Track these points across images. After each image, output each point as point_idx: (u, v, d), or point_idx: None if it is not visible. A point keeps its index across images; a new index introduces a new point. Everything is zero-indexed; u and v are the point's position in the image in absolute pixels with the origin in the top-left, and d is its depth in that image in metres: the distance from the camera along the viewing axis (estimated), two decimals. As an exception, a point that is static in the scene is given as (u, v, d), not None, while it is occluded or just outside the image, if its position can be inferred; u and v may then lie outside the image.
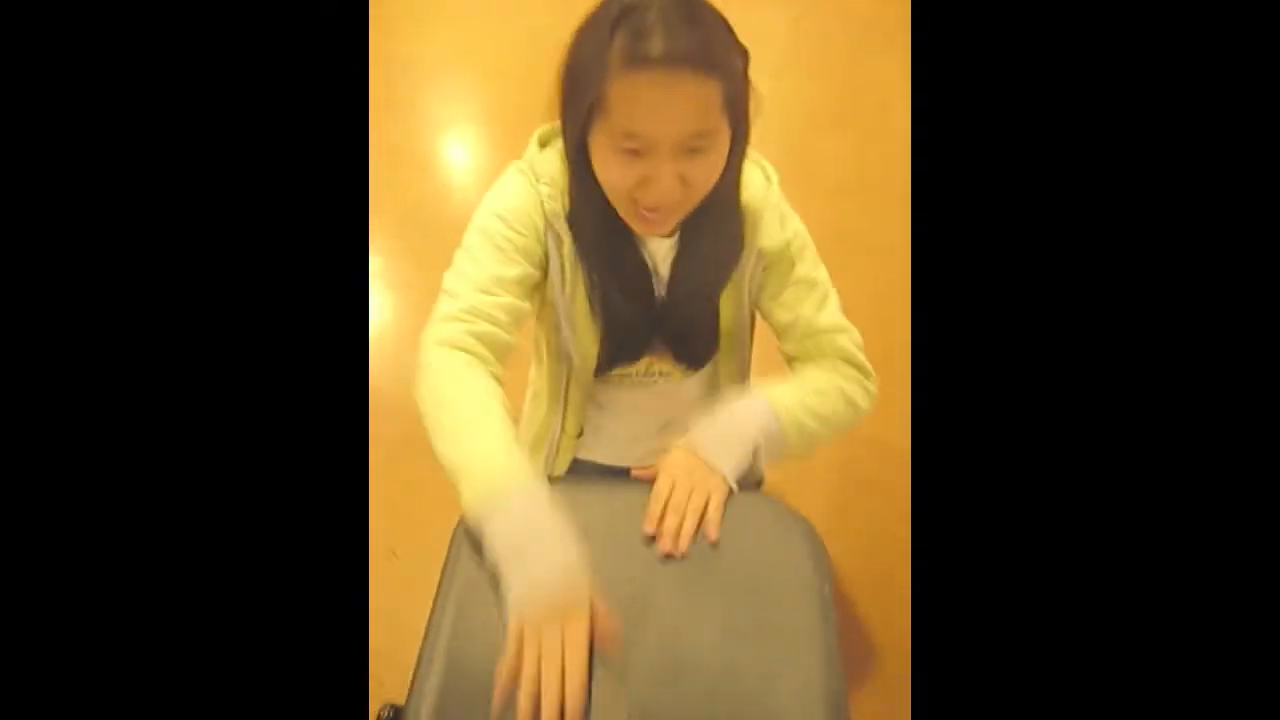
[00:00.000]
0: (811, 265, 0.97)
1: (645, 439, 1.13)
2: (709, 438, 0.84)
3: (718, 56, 0.74)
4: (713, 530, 0.76)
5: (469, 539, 0.74)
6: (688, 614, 0.71)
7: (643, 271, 0.94)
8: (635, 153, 0.76)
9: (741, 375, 1.08)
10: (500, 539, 0.69)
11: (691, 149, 0.77)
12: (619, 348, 0.99)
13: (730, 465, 0.82)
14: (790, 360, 1.00)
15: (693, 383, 1.09)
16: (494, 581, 0.70)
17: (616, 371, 1.02)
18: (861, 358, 0.96)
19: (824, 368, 0.95)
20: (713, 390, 1.09)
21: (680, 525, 0.75)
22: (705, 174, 0.80)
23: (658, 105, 0.74)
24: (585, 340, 0.97)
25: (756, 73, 0.81)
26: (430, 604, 0.73)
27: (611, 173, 0.79)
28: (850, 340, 0.96)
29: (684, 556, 0.74)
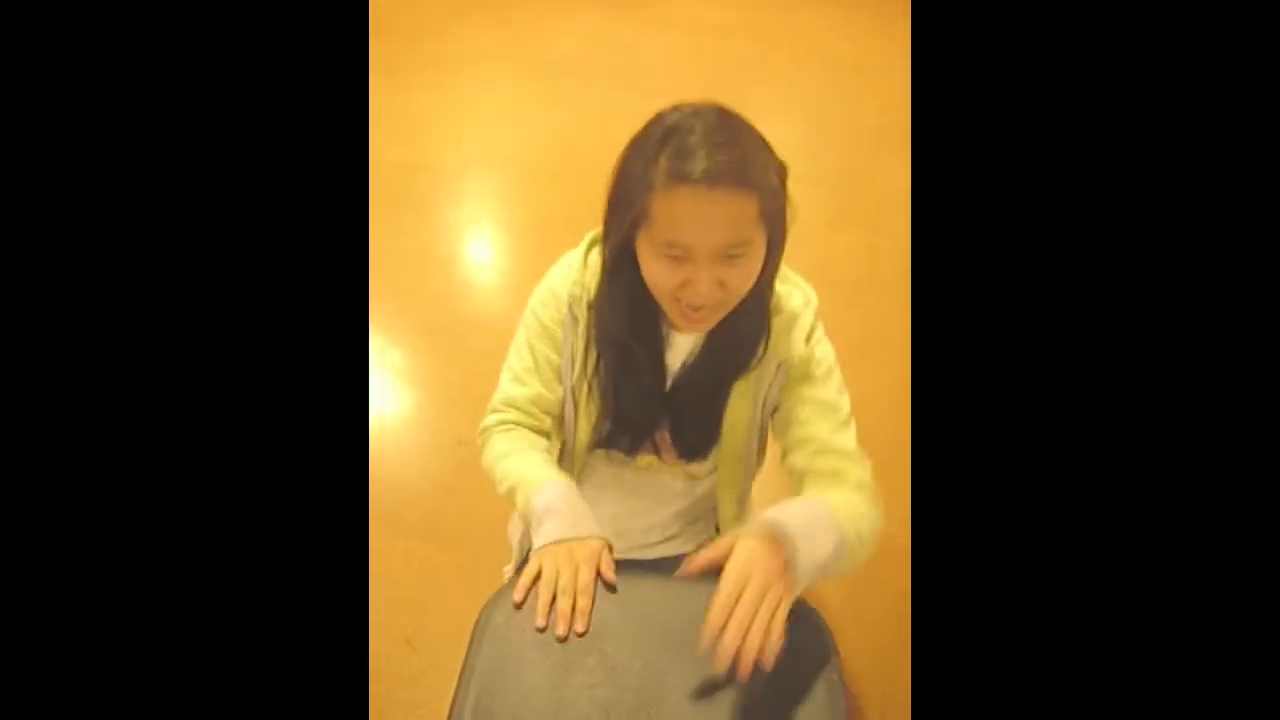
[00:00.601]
0: (835, 391, 0.98)
1: (653, 530, 1.16)
2: (799, 521, 0.78)
3: (754, 174, 0.80)
4: (770, 659, 0.69)
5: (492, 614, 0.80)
6: (699, 700, 0.73)
7: (658, 366, 0.99)
8: (677, 259, 0.82)
9: (744, 486, 1.10)
10: (538, 509, 0.91)
11: (729, 256, 0.82)
12: (620, 432, 1.05)
13: (811, 563, 0.77)
14: (800, 476, 0.96)
15: (694, 482, 1.12)
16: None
17: (616, 454, 1.08)
18: (876, 491, 0.93)
19: (847, 492, 0.91)
20: (710, 495, 1.13)
21: (742, 645, 0.69)
22: (742, 278, 0.85)
23: (697, 218, 0.79)
24: (584, 420, 1.03)
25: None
26: (449, 694, 0.76)
27: (656, 275, 0.85)
28: (868, 472, 0.95)
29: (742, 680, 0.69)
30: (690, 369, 0.99)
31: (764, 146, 0.83)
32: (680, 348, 0.99)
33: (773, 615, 0.71)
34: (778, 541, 0.76)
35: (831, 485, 0.92)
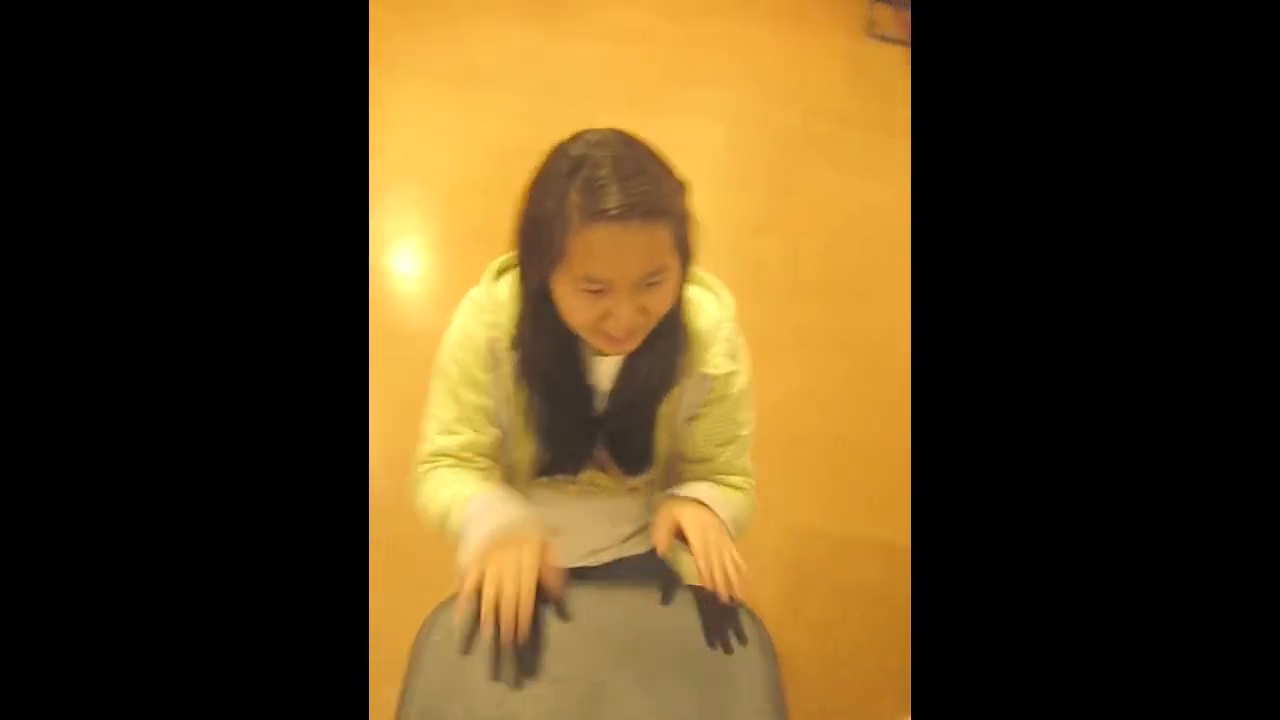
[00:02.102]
0: (747, 409, 1.05)
1: (605, 539, 1.17)
2: (706, 494, 0.98)
3: (665, 202, 0.82)
4: (746, 573, 0.87)
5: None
6: (642, 705, 0.74)
7: (584, 393, 1.01)
8: (597, 293, 0.83)
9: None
10: (468, 517, 0.92)
11: (648, 284, 0.83)
12: (558, 458, 1.06)
13: (728, 517, 0.96)
14: (701, 478, 1.08)
15: (637, 493, 1.14)
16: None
17: (561, 478, 1.09)
18: (752, 503, 1.11)
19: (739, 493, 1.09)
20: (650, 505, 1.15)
21: (731, 573, 0.86)
22: (661, 303, 0.87)
23: (615, 252, 0.80)
24: (523, 449, 1.04)
25: (698, 183, 0.89)
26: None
27: (576, 310, 0.85)
28: (751, 487, 1.10)
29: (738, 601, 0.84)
30: (618, 392, 1.01)
31: (667, 170, 0.85)
32: (604, 371, 1.00)
33: (730, 557, 0.87)
34: (702, 504, 0.96)
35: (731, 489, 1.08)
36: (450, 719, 0.73)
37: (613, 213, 0.78)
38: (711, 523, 0.92)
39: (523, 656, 0.79)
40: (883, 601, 1.67)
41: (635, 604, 0.84)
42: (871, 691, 1.41)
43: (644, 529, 1.19)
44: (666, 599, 0.87)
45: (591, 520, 1.16)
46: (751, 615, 0.86)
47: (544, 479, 1.10)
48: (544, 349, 0.95)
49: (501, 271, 0.99)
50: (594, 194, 0.78)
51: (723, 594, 0.83)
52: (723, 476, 1.06)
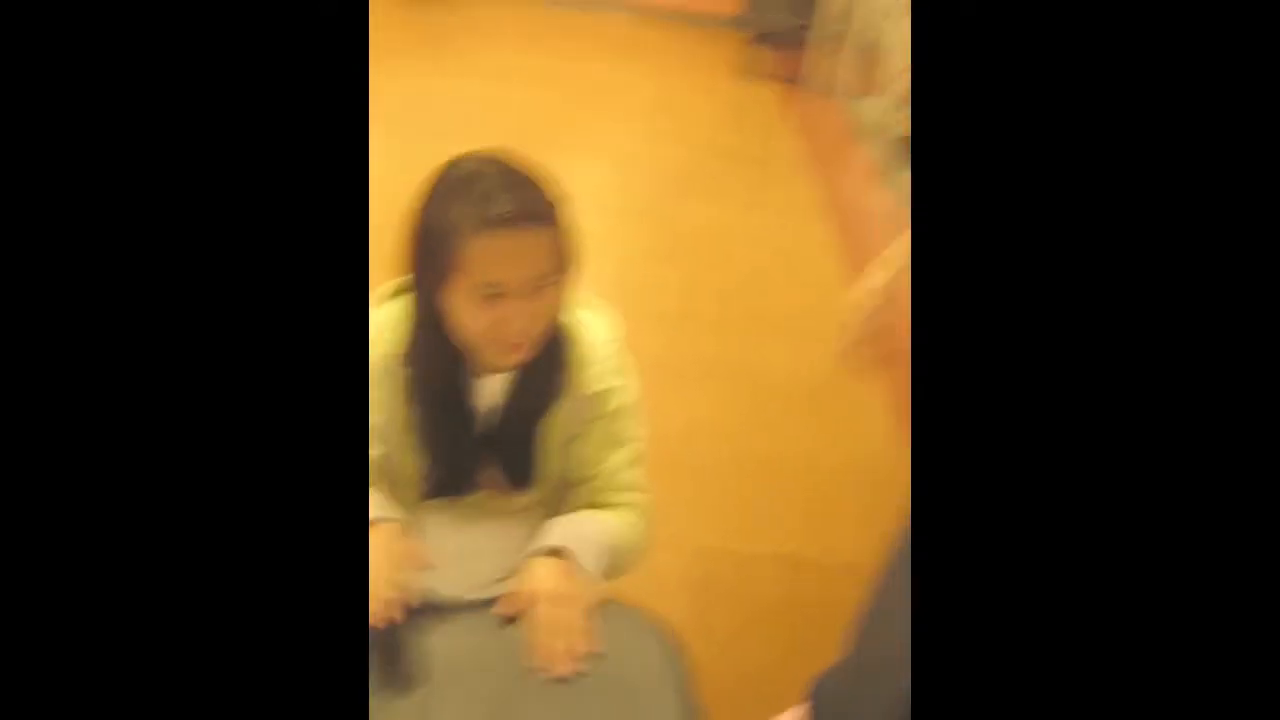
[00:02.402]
0: (632, 424, 1.09)
1: (498, 567, 1.17)
2: (571, 535, 0.96)
3: (546, 211, 0.88)
4: (581, 650, 0.86)
5: None
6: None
7: (471, 411, 1.03)
8: (492, 299, 0.86)
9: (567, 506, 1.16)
10: None
11: (539, 288, 0.88)
12: (446, 476, 1.07)
13: (592, 562, 0.94)
14: (586, 504, 1.10)
15: (525, 513, 1.15)
16: None
17: (450, 498, 1.10)
18: (648, 513, 1.11)
19: (622, 514, 1.08)
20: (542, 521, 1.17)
21: (567, 647, 0.85)
22: (552, 308, 0.92)
23: (508, 256, 0.85)
24: (410, 467, 1.05)
25: (590, 215, 0.93)
26: None
27: (472, 320, 0.89)
28: (644, 499, 1.10)
29: (576, 673, 0.82)
30: (504, 409, 1.03)
31: (544, 186, 0.90)
32: (491, 390, 1.03)
33: (574, 618, 0.87)
34: (558, 555, 0.93)
35: (611, 511, 1.08)
36: None
37: (504, 218, 0.83)
38: (557, 594, 0.91)
39: (432, 694, 0.80)
40: (787, 614, 1.73)
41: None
42: (780, 700, 1.46)
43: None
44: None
45: (482, 546, 1.16)
46: (662, 630, 0.88)
47: (433, 499, 1.11)
48: (435, 365, 0.98)
49: (393, 294, 1.01)
50: (484, 203, 0.84)
51: (559, 672, 0.84)
52: (609, 495, 1.08)
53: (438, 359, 0.97)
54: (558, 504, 1.13)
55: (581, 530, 0.99)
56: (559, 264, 0.90)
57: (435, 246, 0.87)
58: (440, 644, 0.83)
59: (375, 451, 1.02)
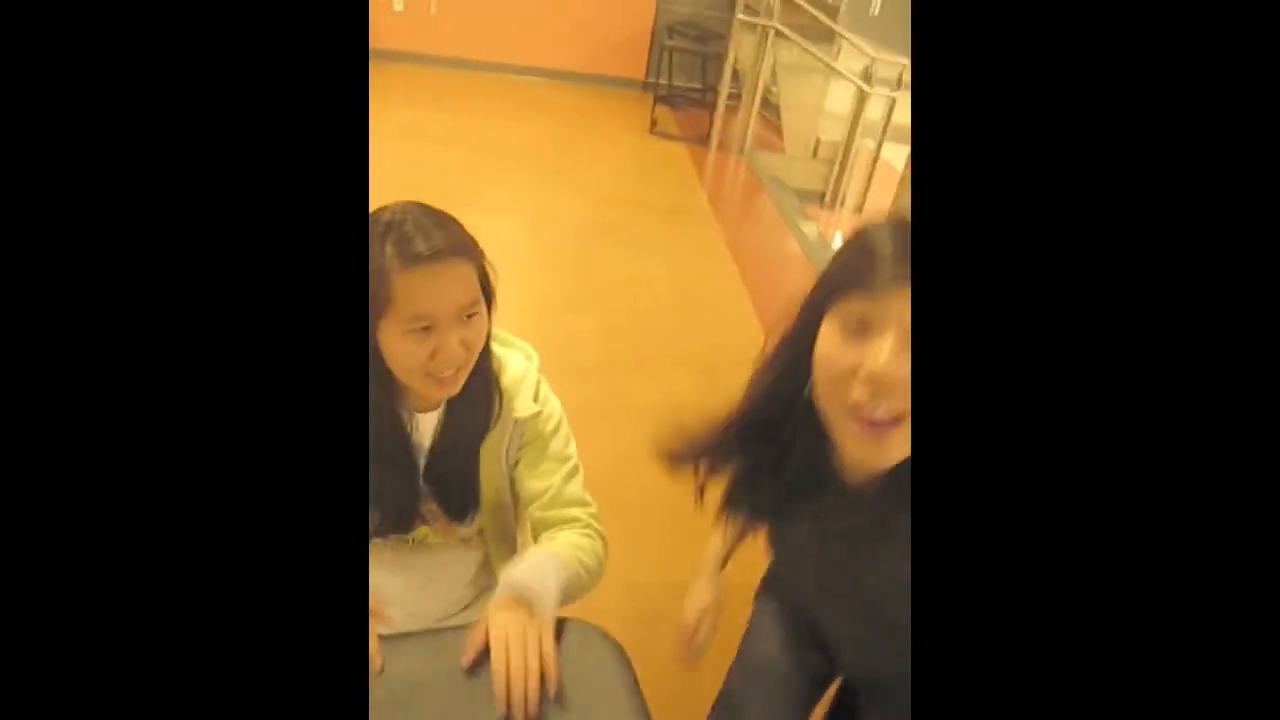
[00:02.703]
0: (563, 443, 1.13)
1: (448, 604, 1.20)
2: (529, 574, 0.94)
3: (465, 245, 0.94)
4: (552, 685, 0.85)
5: None
6: None
7: (409, 449, 1.07)
8: (425, 330, 0.91)
9: (511, 537, 1.19)
10: None
11: (467, 317, 0.94)
12: (392, 517, 1.10)
13: (550, 599, 0.92)
14: (537, 524, 1.12)
15: (469, 546, 1.20)
16: None
17: (393, 539, 1.13)
18: (600, 529, 1.12)
19: (576, 533, 1.09)
20: (487, 562, 1.21)
21: (525, 692, 0.84)
22: (478, 337, 0.97)
23: (435, 289, 0.91)
24: None
25: (505, 270, 1.01)
26: None
27: (406, 354, 0.93)
28: (592, 515, 1.12)
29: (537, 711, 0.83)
30: (439, 442, 1.08)
31: (461, 227, 0.97)
32: (425, 427, 1.07)
33: (538, 655, 0.86)
34: (517, 595, 0.91)
35: (564, 529, 1.09)
36: None
37: (426, 254, 0.89)
38: (514, 628, 0.88)
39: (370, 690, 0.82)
40: (720, 637, 1.78)
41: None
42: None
43: (482, 594, 1.23)
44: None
45: (429, 583, 1.18)
46: (614, 643, 0.93)
47: (377, 540, 1.13)
48: (372, 407, 1.00)
49: None
50: (406, 243, 0.90)
51: (520, 717, 0.82)
52: (558, 510, 1.11)
53: (375, 400, 1.00)
54: (500, 533, 1.17)
55: (533, 572, 0.96)
56: (480, 294, 0.96)
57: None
58: (392, 669, 0.86)
59: None
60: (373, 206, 0.95)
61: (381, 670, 0.85)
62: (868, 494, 0.79)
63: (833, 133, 4.66)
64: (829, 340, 0.72)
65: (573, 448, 1.15)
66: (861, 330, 0.69)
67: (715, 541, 1.22)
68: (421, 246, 0.90)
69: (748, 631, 1.18)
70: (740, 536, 1.05)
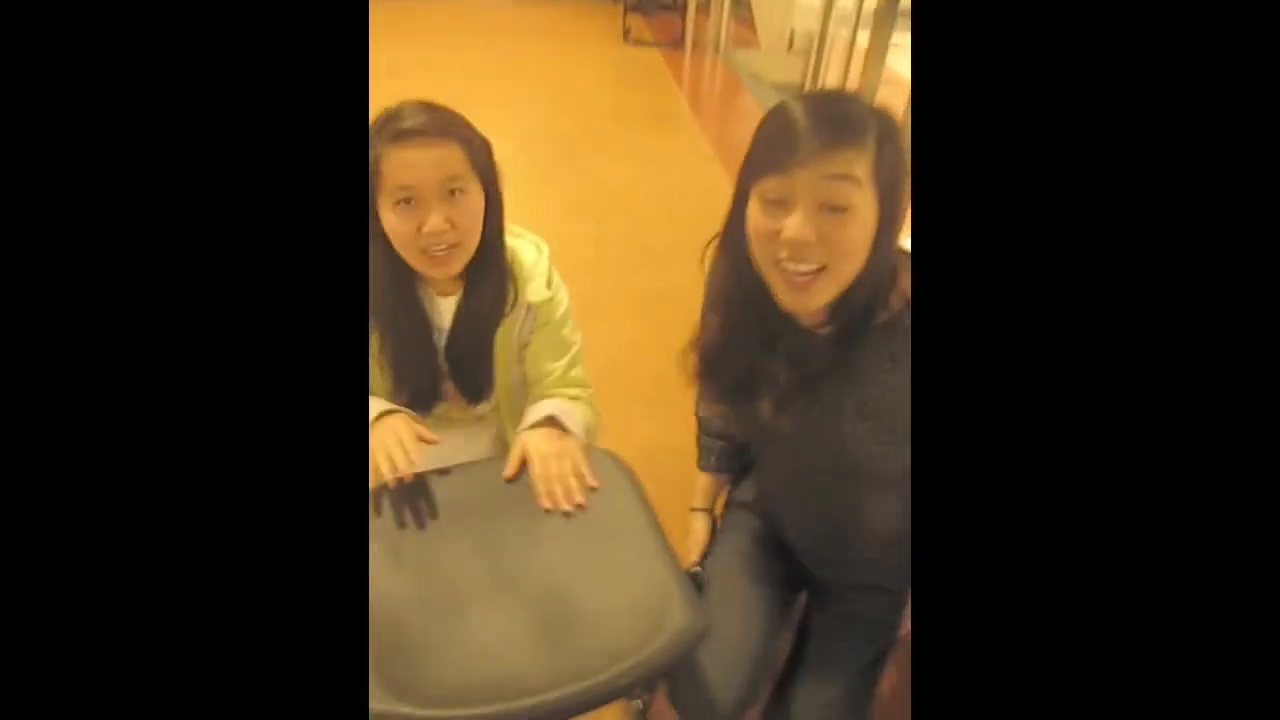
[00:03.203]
0: (570, 330, 1.24)
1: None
2: (555, 407, 1.11)
3: (454, 128, 1.02)
4: (589, 479, 1.03)
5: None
6: (541, 537, 0.95)
7: (427, 330, 1.17)
8: (408, 202, 1.00)
9: (520, 413, 1.29)
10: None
11: (450, 192, 1.02)
12: (410, 394, 1.20)
13: (575, 425, 1.10)
14: (542, 399, 1.22)
15: (484, 423, 1.32)
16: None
17: (416, 413, 1.23)
18: (597, 408, 1.26)
19: (580, 404, 1.23)
20: (501, 435, 1.34)
21: (564, 490, 1.01)
22: (467, 217, 1.05)
23: (415, 161, 0.99)
24: (379, 387, 1.19)
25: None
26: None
27: (396, 227, 1.03)
28: (590, 395, 1.27)
29: (581, 508, 0.99)
30: (456, 325, 1.18)
31: (467, 123, 1.06)
32: (443, 311, 1.17)
33: (571, 464, 1.03)
34: (550, 421, 1.09)
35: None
36: (390, 585, 0.88)
37: (407, 131, 0.98)
38: (552, 451, 1.05)
39: (444, 523, 0.97)
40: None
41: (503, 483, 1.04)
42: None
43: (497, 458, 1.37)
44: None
45: (451, 454, 1.31)
46: (619, 459, 1.07)
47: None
48: (390, 290, 1.11)
49: None
50: (393, 122, 1.00)
51: (562, 509, 0.98)
52: (562, 390, 1.22)
53: (387, 280, 1.10)
54: (512, 409, 1.29)
55: (561, 404, 1.14)
56: (470, 176, 1.03)
57: (371, 172, 1.01)
58: (441, 493, 1.01)
59: None
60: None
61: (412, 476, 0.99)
62: (822, 334, 0.94)
63: (806, 23, 4.65)
64: (753, 213, 0.86)
65: (578, 335, 1.26)
66: (777, 204, 0.82)
67: (704, 481, 1.33)
68: (405, 124, 0.98)
69: (720, 531, 1.30)
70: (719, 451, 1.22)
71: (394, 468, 0.97)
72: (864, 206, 0.80)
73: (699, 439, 1.29)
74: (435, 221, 1.01)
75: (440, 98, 1.06)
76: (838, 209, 0.80)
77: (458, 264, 1.09)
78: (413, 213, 1.01)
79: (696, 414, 1.29)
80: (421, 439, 1.02)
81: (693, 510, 1.29)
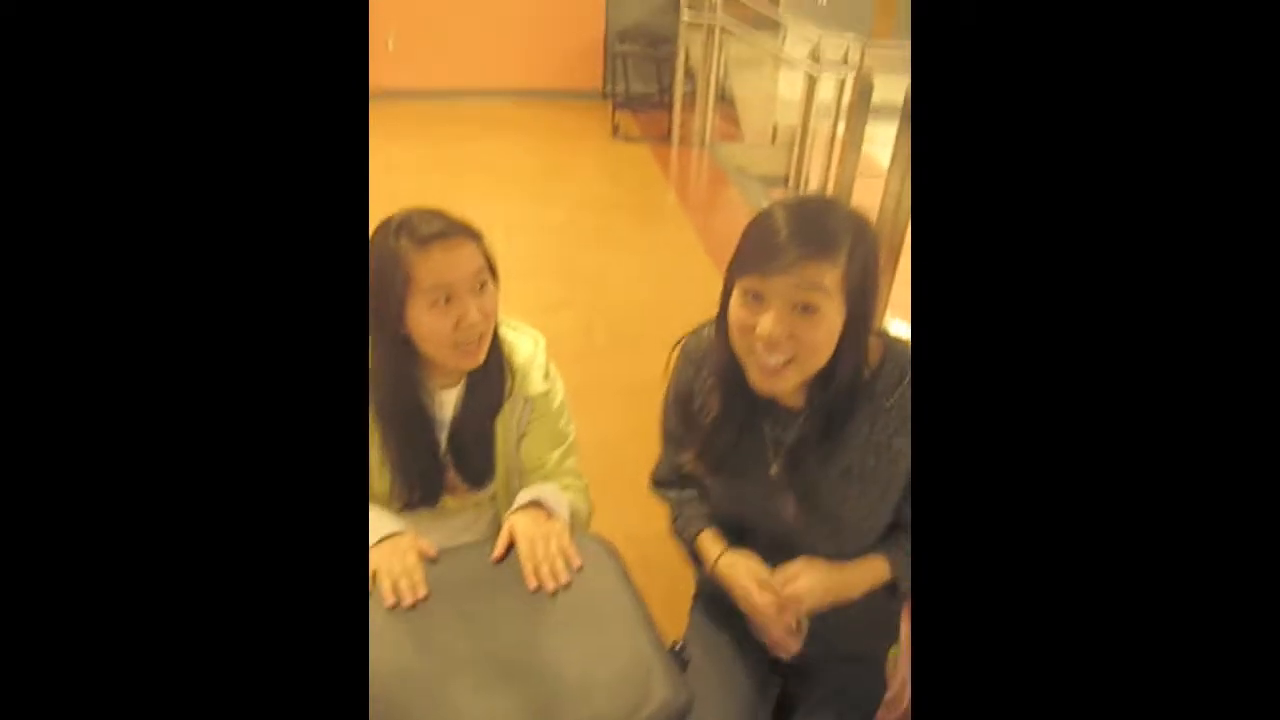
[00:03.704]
0: (565, 421, 1.30)
1: None
2: (542, 492, 1.15)
3: (464, 227, 1.12)
4: (575, 560, 1.06)
5: None
6: (531, 614, 0.99)
7: (429, 420, 1.22)
8: (447, 301, 1.07)
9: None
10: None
11: (479, 285, 1.10)
12: (419, 487, 1.24)
13: (560, 509, 1.14)
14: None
15: (481, 510, 1.36)
16: None
17: (424, 510, 1.28)
18: (589, 499, 1.32)
19: (572, 495, 1.27)
20: (496, 520, 1.36)
21: (550, 570, 1.04)
22: (492, 305, 1.14)
23: (448, 260, 1.08)
24: (383, 485, 1.23)
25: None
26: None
27: (433, 325, 1.09)
28: (583, 486, 1.32)
29: (567, 587, 1.02)
30: (459, 416, 1.24)
31: (464, 221, 1.14)
32: (445, 403, 1.23)
33: (557, 546, 1.07)
34: (535, 501, 1.14)
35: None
36: (384, 667, 0.90)
37: (434, 233, 1.07)
38: (539, 533, 1.08)
39: (432, 604, 0.99)
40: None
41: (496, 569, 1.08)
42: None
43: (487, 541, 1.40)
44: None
45: (447, 539, 1.35)
46: (606, 543, 1.11)
47: (407, 512, 1.27)
48: (398, 390, 1.17)
49: None
50: (415, 229, 1.08)
51: (548, 588, 1.01)
52: (555, 479, 1.27)
53: (399, 384, 1.16)
54: (509, 496, 1.31)
55: (547, 489, 1.18)
56: (486, 269, 1.11)
57: (389, 277, 1.06)
58: (433, 574, 1.04)
59: None
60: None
61: (426, 598, 1.01)
62: (801, 412, 1.04)
63: (789, 118, 4.83)
64: (735, 306, 0.97)
65: (572, 426, 1.32)
66: (755, 301, 0.94)
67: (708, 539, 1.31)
68: (429, 229, 1.07)
69: (697, 606, 1.32)
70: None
71: (399, 597, 1.00)
72: (831, 311, 0.91)
73: (673, 507, 1.29)
74: (473, 315, 1.09)
75: (434, 190, 1.14)
76: (809, 309, 0.90)
77: (483, 353, 1.16)
78: (450, 310, 1.09)
79: (654, 479, 1.32)
80: (424, 556, 1.07)
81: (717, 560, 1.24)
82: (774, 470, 1.07)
